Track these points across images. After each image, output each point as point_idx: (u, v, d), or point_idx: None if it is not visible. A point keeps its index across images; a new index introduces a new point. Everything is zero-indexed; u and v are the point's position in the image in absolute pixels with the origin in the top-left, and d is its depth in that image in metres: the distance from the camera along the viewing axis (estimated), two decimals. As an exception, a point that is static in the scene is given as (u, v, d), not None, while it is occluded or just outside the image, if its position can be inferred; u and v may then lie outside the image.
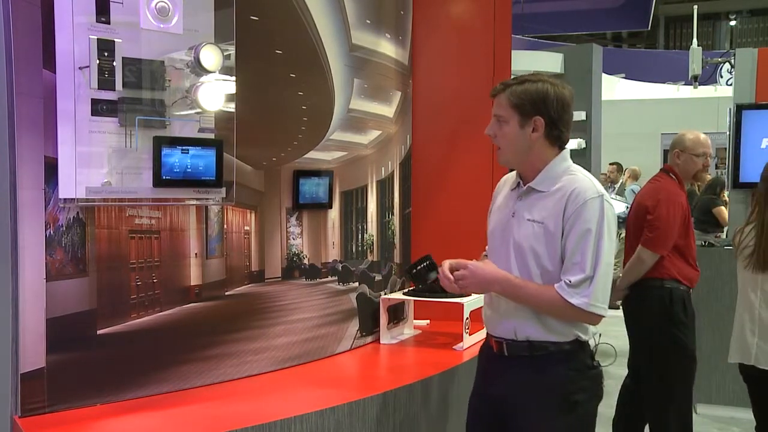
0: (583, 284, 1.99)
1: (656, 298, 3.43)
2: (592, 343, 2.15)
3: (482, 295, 2.29)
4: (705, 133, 3.67)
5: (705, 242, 5.06)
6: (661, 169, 3.71)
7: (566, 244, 2.02)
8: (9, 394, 2.16)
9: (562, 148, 2.13)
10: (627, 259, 3.59)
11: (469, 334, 3.14)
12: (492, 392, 2.18)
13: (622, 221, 8.52)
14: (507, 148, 2.11)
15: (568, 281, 2.00)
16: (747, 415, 4.51)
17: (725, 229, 6.51)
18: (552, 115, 2.07)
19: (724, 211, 6.86)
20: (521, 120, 2.07)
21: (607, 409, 4.08)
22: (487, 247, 2.29)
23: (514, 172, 2.24)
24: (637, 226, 3.50)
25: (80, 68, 2.16)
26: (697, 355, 3.52)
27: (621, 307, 3.71)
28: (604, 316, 2.06)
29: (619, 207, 9.18)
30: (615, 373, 4.70)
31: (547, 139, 2.09)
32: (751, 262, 3.17)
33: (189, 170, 2.37)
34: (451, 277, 2.08)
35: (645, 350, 3.52)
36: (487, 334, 2.24)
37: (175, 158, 2.33)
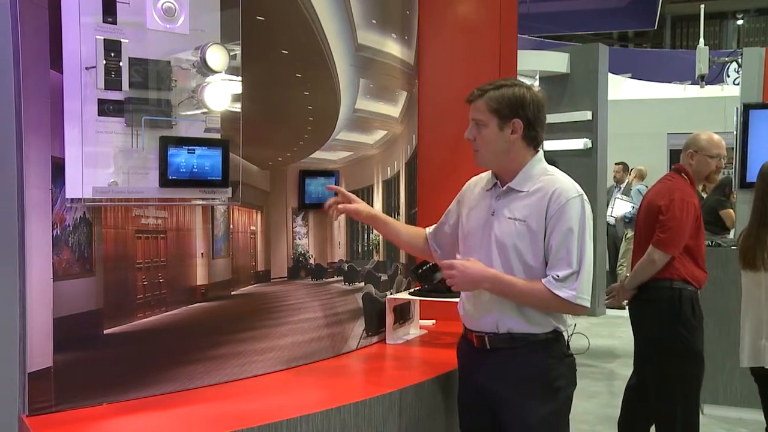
0: (569, 278, 2.13)
1: (665, 299, 3.41)
2: (565, 335, 2.30)
3: None
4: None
5: (712, 242, 5.05)
6: (672, 169, 3.68)
7: (550, 241, 2.15)
8: (17, 394, 2.17)
9: (537, 149, 2.27)
10: (636, 259, 3.57)
11: (475, 334, 3.14)
12: (478, 385, 2.29)
13: (629, 221, 8.56)
14: (485, 150, 2.23)
15: (555, 276, 2.12)
16: (754, 416, 4.50)
17: (732, 231, 6.48)
18: (529, 116, 2.21)
19: (732, 214, 6.82)
20: (500, 123, 2.20)
21: (613, 410, 4.08)
22: (461, 247, 2.39)
23: (485, 174, 2.38)
24: (648, 226, 3.48)
25: (87, 68, 2.17)
26: (704, 355, 3.51)
27: (627, 308, 3.69)
28: (588, 307, 2.19)
29: (625, 207, 9.16)
30: (621, 374, 4.71)
31: (524, 140, 2.22)
32: (744, 259, 3.17)
33: (195, 170, 2.37)
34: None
35: (652, 351, 3.51)
36: (466, 329, 2.35)
37: (181, 158, 2.34)
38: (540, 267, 2.17)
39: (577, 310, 2.17)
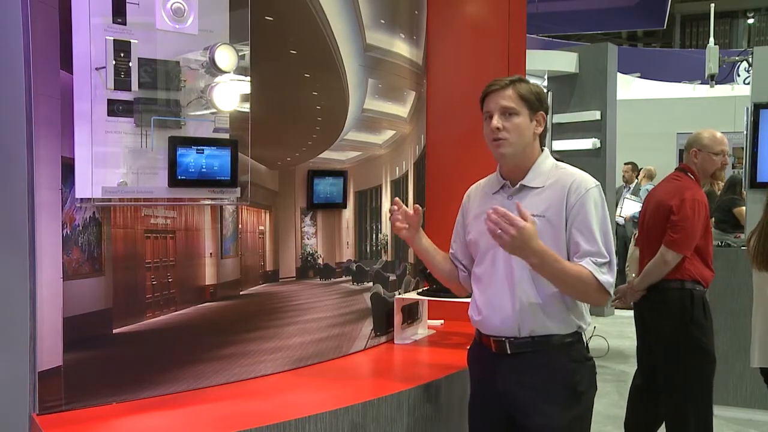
0: (605, 266, 2.08)
1: (676, 300, 3.39)
2: (584, 337, 2.23)
3: None
4: (721, 133, 3.63)
5: (722, 242, 5.02)
6: (677, 168, 3.67)
7: (574, 233, 2.11)
8: (27, 392, 2.18)
9: (542, 146, 2.25)
10: (643, 260, 3.55)
11: (484, 335, 3.13)
12: (496, 392, 2.20)
13: (637, 221, 8.53)
14: (518, 140, 2.15)
15: (594, 260, 2.07)
16: (764, 417, 4.48)
17: (744, 229, 6.43)
18: (546, 112, 2.21)
19: (744, 212, 6.77)
20: (530, 113, 2.16)
21: (622, 410, 4.06)
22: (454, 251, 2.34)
23: (485, 179, 2.34)
24: (658, 226, 3.45)
25: (97, 69, 2.18)
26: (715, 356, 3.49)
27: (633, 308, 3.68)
28: (611, 297, 2.18)
29: (634, 207, 9.12)
30: (630, 373, 4.68)
31: (539, 135, 2.21)
32: (756, 261, 3.14)
33: (204, 170, 2.38)
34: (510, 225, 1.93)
35: (664, 352, 3.49)
36: (482, 335, 2.25)
37: (190, 158, 2.34)
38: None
39: (606, 299, 2.12)
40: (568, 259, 2.11)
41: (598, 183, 2.17)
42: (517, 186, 2.19)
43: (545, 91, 7.73)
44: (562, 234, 2.11)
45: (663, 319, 3.44)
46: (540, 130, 2.19)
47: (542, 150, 2.24)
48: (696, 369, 3.40)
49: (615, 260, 2.12)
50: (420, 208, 2.30)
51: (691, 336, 3.37)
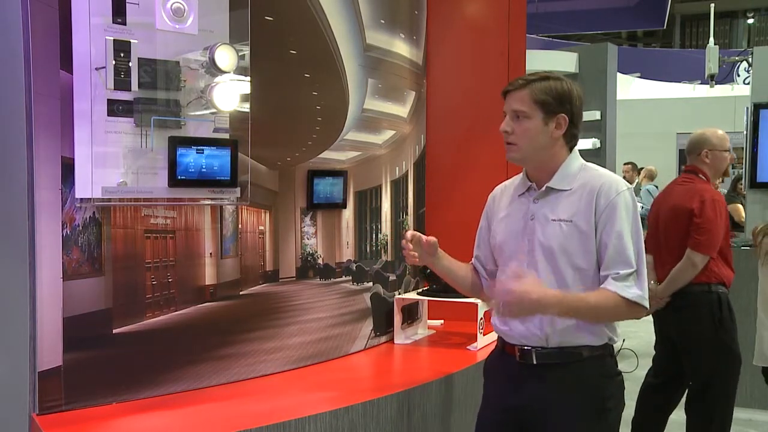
0: (631, 278, 1.98)
1: (704, 304, 3.36)
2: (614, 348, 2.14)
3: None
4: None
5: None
6: (686, 171, 3.60)
7: (603, 238, 1.99)
8: (27, 392, 2.18)
9: (572, 148, 2.11)
10: (663, 266, 3.48)
11: (483, 334, 3.13)
12: (516, 404, 2.09)
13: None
14: (526, 145, 2.04)
15: (616, 274, 1.97)
16: (764, 417, 4.48)
17: (744, 228, 6.42)
18: (574, 112, 2.06)
19: (739, 209, 6.74)
20: (545, 117, 2.03)
21: (627, 410, 4.06)
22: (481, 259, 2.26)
23: (510, 180, 2.23)
24: (679, 231, 3.40)
25: (96, 69, 2.18)
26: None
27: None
28: (648, 309, 2.05)
29: (635, 207, 9.12)
30: (635, 373, 4.70)
31: (564, 137, 2.07)
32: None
33: (204, 170, 2.38)
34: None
35: (693, 356, 3.46)
36: (505, 344, 2.15)
37: (190, 158, 2.35)
38: (592, 269, 2.01)
39: (640, 312, 2.02)
40: (598, 264, 2.01)
41: (629, 186, 2.06)
42: (543, 189, 2.07)
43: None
44: (591, 239, 2.00)
45: (690, 324, 3.39)
46: (560, 132, 2.04)
47: (570, 151, 2.10)
48: (723, 370, 3.40)
49: (644, 268, 2.01)
50: (435, 239, 2.20)
51: (719, 339, 3.35)
